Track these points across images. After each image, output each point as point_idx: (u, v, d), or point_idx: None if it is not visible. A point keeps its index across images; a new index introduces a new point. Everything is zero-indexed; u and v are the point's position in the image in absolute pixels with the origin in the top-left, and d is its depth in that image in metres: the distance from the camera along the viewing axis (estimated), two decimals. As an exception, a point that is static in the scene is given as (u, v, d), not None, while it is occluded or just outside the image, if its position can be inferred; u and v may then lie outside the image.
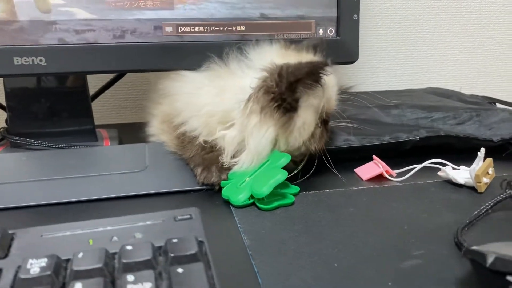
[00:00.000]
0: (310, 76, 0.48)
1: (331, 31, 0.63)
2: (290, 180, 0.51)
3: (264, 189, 0.46)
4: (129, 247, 0.28)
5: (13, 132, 0.61)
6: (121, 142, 0.66)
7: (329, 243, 0.40)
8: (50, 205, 0.48)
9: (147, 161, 0.55)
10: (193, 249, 0.28)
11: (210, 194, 0.50)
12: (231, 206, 0.47)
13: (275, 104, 0.48)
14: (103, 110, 0.86)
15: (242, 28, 0.59)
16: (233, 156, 0.51)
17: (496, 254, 0.28)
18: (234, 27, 0.59)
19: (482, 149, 0.51)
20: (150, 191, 0.50)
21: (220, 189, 0.49)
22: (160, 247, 0.30)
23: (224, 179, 0.50)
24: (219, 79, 0.53)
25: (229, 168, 0.51)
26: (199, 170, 0.51)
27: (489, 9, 0.98)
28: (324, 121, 0.53)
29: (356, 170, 0.56)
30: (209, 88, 0.53)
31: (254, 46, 0.54)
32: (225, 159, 0.51)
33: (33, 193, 0.49)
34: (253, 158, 0.50)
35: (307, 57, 0.53)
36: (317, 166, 0.55)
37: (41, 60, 0.54)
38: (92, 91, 0.71)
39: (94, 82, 0.75)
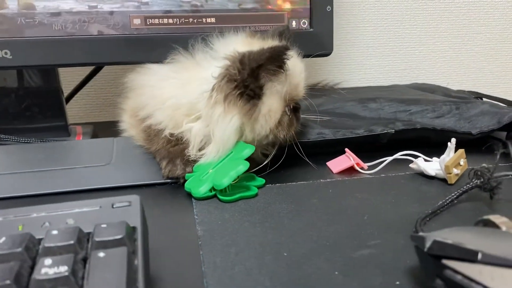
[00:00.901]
0: (272, 61, 0.47)
1: (304, 23, 0.62)
2: (260, 172, 0.49)
3: (224, 181, 0.45)
4: (54, 232, 0.28)
5: (-16, 128, 0.61)
6: (95, 138, 0.65)
7: (284, 234, 0.39)
8: (12, 198, 0.47)
9: (114, 155, 0.54)
10: (119, 234, 0.27)
11: (175, 187, 0.49)
12: (192, 199, 0.46)
13: (238, 92, 0.47)
14: (85, 108, 0.86)
15: (213, 20, 0.58)
16: (200, 149, 0.50)
17: (435, 237, 0.26)
18: (204, 19, 0.58)
19: (453, 140, 0.49)
20: (114, 184, 0.50)
21: (185, 182, 0.48)
22: (89, 233, 0.29)
23: (189, 172, 0.49)
24: (184, 70, 0.52)
25: (195, 161, 0.50)
26: (164, 163, 0.50)
27: (478, 4, 0.96)
28: (293, 108, 0.52)
29: (328, 163, 0.55)
30: (173, 80, 0.52)
31: (219, 36, 0.53)
32: (192, 151, 0.50)
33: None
34: (218, 149, 0.49)
35: (271, 43, 0.52)
36: (288, 159, 0.55)
37: (6, 53, 0.53)
38: (69, 88, 0.71)
39: (71, 79, 0.75)
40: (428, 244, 0.26)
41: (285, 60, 0.48)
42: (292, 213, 0.43)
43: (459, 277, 0.24)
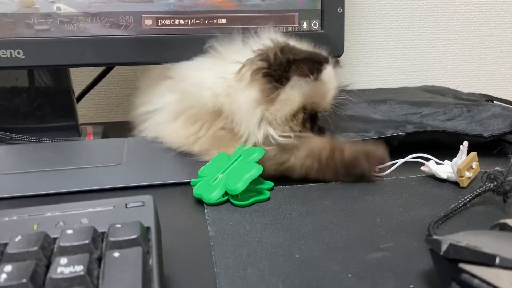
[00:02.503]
0: (308, 62, 0.50)
1: (315, 24, 0.62)
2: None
3: (239, 185, 0.45)
4: (69, 231, 0.28)
5: (-5, 127, 0.61)
6: (105, 138, 0.66)
7: (296, 235, 0.39)
8: (23, 197, 0.48)
9: (125, 155, 0.54)
10: (134, 234, 0.27)
11: (186, 188, 0.49)
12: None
13: (266, 71, 0.49)
14: (95, 108, 0.86)
15: (224, 21, 0.58)
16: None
17: (451, 241, 0.26)
18: (215, 20, 0.58)
19: (465, 143, 0.49)
20: (125, 184, 0.50)
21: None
22: (104, 233, 0.29)
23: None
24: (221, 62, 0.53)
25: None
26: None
27: (489, 6, 0.96)
28: (312, 115, 0.54)
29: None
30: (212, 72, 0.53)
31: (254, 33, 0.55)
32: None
33: (8, 186, 0.49)
34: (241, 123, 0.50)
35: (310, 47, 0.54)
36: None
37: (19, 53, 0.54)
38: (80, 88, 0.72)
39: (82, 79, 0.76)
40: (444, 247, 0.26)
41: (319, 68, 0.50)
42: (303, 214, 0.43)
43: (476, 281, 0.24)
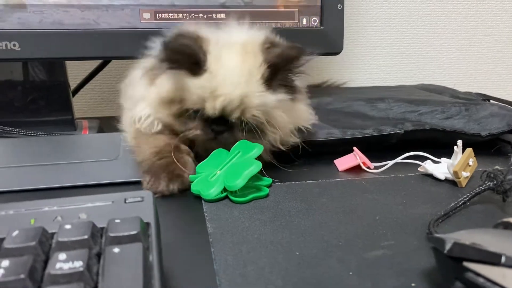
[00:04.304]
0: (181, 53, 0.47)
1: (314, 21, 0.61)
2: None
3: (238, 182, 0.44)
4: (67, 226, 0.27)
5: (-10, 121, 0.60)
6: (100, 132, 0.65)
7: (295, 233, 0.38)
8: (18, 191, 0.47)
9: (122, 150, 0.54)
10: (134, 230, 0.27)
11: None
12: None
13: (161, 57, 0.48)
14: (91, 103, 0.85)
15: (223, 15, 0.58)
16: None
17: (455, 239, 0.26)
18: (214, 15, 0.58)
19: (459, 142, 0.49)
20: (121, 179, 0.49)
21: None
22: (103, 228, 0.28)
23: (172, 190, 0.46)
24: None
25: (179, 176, 0.47)
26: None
27: (486, 6, 0.96)
28: (214, 117, 0.47)
29: (335, 161, 0.54)
30: None
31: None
32: None
33: (2, 180, 0.48)
34: None
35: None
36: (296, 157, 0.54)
37: (14, 45, 0.53)
38: (75, 82, 0.71)
39: (77, 73, 0.75)
40: (448, 246, 0.26)
41: (196, 60, 0.46)
42: (302, 212, 0.42)
43: (481, 280, 0.24)
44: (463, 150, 0.49)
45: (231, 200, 0.45)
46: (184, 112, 0.48)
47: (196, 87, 0.46)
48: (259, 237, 0.37)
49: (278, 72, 0.48)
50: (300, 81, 0.52)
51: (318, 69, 0.92)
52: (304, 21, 0.61)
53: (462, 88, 0.83)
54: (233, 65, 0.47)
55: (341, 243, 0.37)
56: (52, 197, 0.46)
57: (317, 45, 0.57)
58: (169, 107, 0.48)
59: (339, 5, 0.61)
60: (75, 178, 0.49)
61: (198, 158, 0.50)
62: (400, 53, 0.95)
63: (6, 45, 0.53)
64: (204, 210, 0.43)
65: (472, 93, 0.80)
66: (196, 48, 0.46)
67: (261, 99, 0.47)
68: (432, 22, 0.95)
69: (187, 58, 0.46)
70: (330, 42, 0.61)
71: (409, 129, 0.58)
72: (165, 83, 0.48)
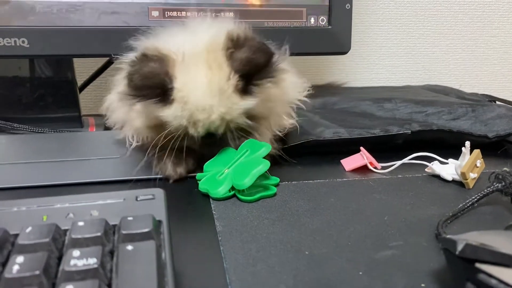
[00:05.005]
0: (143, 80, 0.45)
1: (322, 20, 0.61)
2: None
3: (246, 181, 0.44)
4: (81, 223, 0.27)
5: (-2, 117, 0.60)
6: (107, 130, 0.65)
7: (304, 232, 0.38)
8: (25, 188, 0.47)
9: (129, 148, 0.54)
10: (147, 227, 0.27)
11: (190, 182, 0.49)
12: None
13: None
14: (96, 100, 0.85)
15: (231, 14, 0.58)
16: None
17: (467, 240, 0.26)
18: (222, 13, 0.58)
19: (467, 144, 0.49)
20: (129, 177, 0.49)
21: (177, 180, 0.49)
22: (115, 225, 0.28)
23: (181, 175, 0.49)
24: None
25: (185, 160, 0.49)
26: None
27: (493, 7, 0.96)
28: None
29: (342, 161, 0.54)
30: None
31: None
32: None
33: (10, 176, 0.48)
34: None
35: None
36: (302, 156, 0.55)
37: (23, 42, 0.53)
38: (82, 79, 0.71)
39: (83, 70, 0.75)
40: (460, 247, 0.26)
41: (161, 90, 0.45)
42: (310, 211, 0.42)
43: (494, 281, 0.24)
44: (471, 151, 0.49)
45: (239, 199, 0.45)
46: (173, 134, 0.46)
47: (172, 118, 0.45)
48: (268, 236, 0.38)
49: (251, 78, 0.46)
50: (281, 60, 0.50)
51: (323, 68, 0.92)
52: (312, 20, 0.61)
53: (467, 89, 0.83)
54: (201, 87, 0.44)
55: (350, 243, 0.37)
56: (59, 194, 0.46)
57: (325, 45, 0.57)
58: (156, 131, 0.47)
59: (347, 4, 0.61)
60: (83, 175, 0.49)
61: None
62: (406, 53, 0.95)
63: (15, 41, 0.53)
64: (212, 208, 0.43)
65: (478, 94, 0.80)
66: (160, 78, 0.44)
67: (240, 109, 0.46)
68: (439, 22, 0.95)
69: (154, 90, 0.44)
70: (337, 41, 0.61)
71: (416, 129, 0.58)
72: (143, 113, 0.47)
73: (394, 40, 0.94)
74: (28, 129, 0.58)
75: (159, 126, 0.46)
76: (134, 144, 0.51)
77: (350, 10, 0.61)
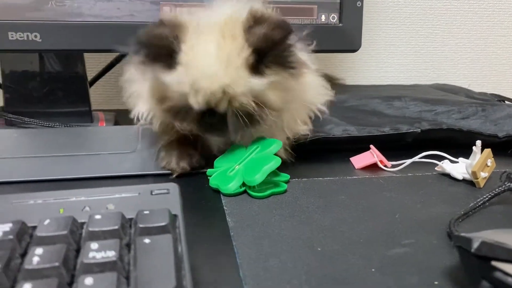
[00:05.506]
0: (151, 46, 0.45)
1: (333, 18, 0.61)
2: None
3: (257, 177, 0.44)
4: (98, 216, 0.27)
5: (9, 111, 0.61)
6: (116, 125, 0.65)
7: (316, 228, 0.38)
8: (37, 181, 0.47)
9: (140, 142, 0.54)
10: (163, 221, 0.27)
11: (200, 177, 0.49)
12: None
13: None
14: (106, 95, 0.86)
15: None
16: None
17: (482, 238, 0.26)
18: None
19: (478, 143, 0.49)
20: (139, 172, 0.50)
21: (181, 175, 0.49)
22: (131, 219, 0.29)
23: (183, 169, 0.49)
24: None
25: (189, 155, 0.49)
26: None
27: (502, 6, 0.95)
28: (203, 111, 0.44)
29: (351, 158, 0.55)
30: None
31: None
32: None
33: (21, 169, 0.49)
34: None
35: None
36: (311, 153, 0.55)
37: (36, 36, 0.53)
38: (92, 74, 0.71)
39: (93, 64, 0.75)
40: (476, 245, 0.26)
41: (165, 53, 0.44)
42: (321, 208, 0.42)
43: (510, 279, 0.24)
44: (481, 150, 0.49)
45: (249, 195, 0.45)
46: (175, 108, 0.45)
47: (174, 83, 0.43)
48: (279, 232, 0.38)
49: (265, 56, 0.43)
50: (303, 53, 0.48)
51: (332, 66, 0.92)
52: (323, 17, 0.61)
53: (476, 89, 0.83)
54: (209, 53, 0.42)
55: (362, 240, 0.37)
56: (72, 187, 0.47)
57: (335, 42, 0.57)
58: (160, 103, 0.46)
59: (359, 2, 0.61)
60: (93, 170, 0.49)
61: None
62: (414, 52, 0.95)
63: (27, 36, 0.53)
64: (223, 204, 0.43)
65: (487, 93, 0.80)
66: (168, 40, 0.43)
67: (246, 86, 0.42)
68: (448, 21, 0.94)
69: (159, 51, 0.43)
70: (348, 39, 0.61)
71: (426, 128, 0.58)
72: (150, 81, 0.46)
73: (403, 39, 0.94)
74: (39, 123, 0.58)
75: (163, 98, 0.45)
76: (142, 122, 0.50)
77: (361, 7, 0.61)
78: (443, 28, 0.95)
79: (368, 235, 0.38)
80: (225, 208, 0.42)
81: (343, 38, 0.61)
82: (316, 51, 0.57)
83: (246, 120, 0.44)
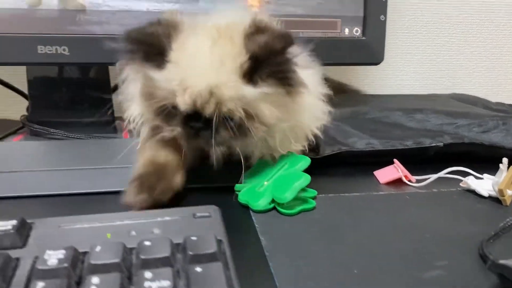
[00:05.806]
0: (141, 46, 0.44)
1: (357, 31, 0.61)
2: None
3: (288, 194, 0.45)
4: (147, 243, 0.28)
5: (33, 120, 0.61)
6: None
7: (348, 248, 0.39)
8: (67, 195, 0.48)
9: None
10: (212, 248, 0.28)
11: (227, 192, 0.49)
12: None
13: None
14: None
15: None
16: None
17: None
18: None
19: (505, 160, 0.49)
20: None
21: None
22: (178, 244, 0.29)
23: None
24: None
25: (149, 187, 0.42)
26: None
27: (519, 15, 0.95)
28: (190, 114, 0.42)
29: (375, 172, 0.55)
30: None
31: None
32: None
33: (51, 183, 0.49)
34: None
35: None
36: (334, 167, 0.55)
37: (64, 50, 0.54)
38: (113, 82, 0.71)
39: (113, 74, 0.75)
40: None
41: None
42: (351, 226, 0.43)
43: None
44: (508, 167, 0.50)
45: (278, 212, 0.46)
46: (162, 108, 0.43)
47: (162, 81, 0.42)
48: (315, 253, 0.38)
49: (261, 65, 0.42)
50: (307, 72, 0.47)
51: (348, 74, 0.92)
52: (347, 31, 0.61)
53: (491, 98, 0.83)
54: (202, 53, 0.41)
55: (395, 261, 0.37)
56: (100, 202, 0.47)
57: (358, 55, 0.57)
58: (149, 102, 0.44)
59: (382, 16, 0.61)
60: (122, 183, 0.49)
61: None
62: (430, 60, 0.95)
63: (56, 49, 0.53)
64: (254, 221, 0.44)
65: (504, 104, 0.80)
66: (159, 38, 0.42)
67: (235, 91, 0.40)
68: (464, 30, 0.94)
69: (150, 49, 0.42)
70: (371, 52, 0.61)
71: (448, 142, 0.58)
72: (140, 78, 0.45)
73: (419, 47, 0.94)
74: (64, 134, 0.59)
75: (151, 96, 0.43)
76: (134, 126, 0.48)
77: (384, 21, 0.61)
78: (459, 37, 0.95)
79: (401, 256, 0.38)
80: (256, 225, 0.43)
81: (366, 51, 0.61)
82: (339, 64, 0.57)
83: (234, 129, 0.42)
